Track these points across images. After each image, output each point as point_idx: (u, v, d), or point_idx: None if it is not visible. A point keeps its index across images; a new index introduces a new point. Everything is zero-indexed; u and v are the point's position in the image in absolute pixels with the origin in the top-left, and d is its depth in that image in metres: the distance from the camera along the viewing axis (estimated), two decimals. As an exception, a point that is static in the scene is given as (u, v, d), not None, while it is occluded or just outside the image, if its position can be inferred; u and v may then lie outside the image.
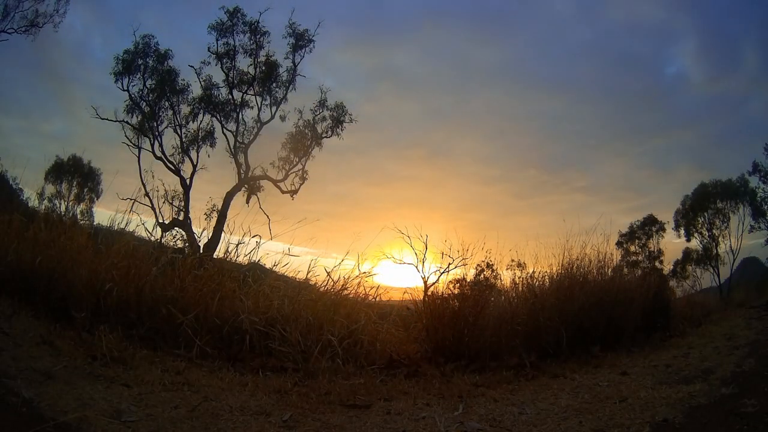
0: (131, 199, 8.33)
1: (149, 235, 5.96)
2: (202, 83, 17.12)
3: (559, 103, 36.83)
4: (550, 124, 36.22)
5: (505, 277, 6.62)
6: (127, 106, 16.78)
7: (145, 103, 16.93)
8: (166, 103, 17.09)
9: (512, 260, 6.64)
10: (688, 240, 22.57)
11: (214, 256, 5.93)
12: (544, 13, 36.06)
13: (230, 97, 17.18)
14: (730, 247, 21.28)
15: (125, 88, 16.66)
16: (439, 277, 6.15)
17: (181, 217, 16.34)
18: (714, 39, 38.32)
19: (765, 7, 35.15)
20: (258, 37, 17.08)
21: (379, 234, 6.10)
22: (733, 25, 38.00)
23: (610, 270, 6.23)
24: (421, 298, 5.76)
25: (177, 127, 17.21)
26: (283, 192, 17.64)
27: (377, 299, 5.55)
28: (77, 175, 22.13)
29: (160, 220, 15.77)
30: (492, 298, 5.88)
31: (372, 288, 5.50)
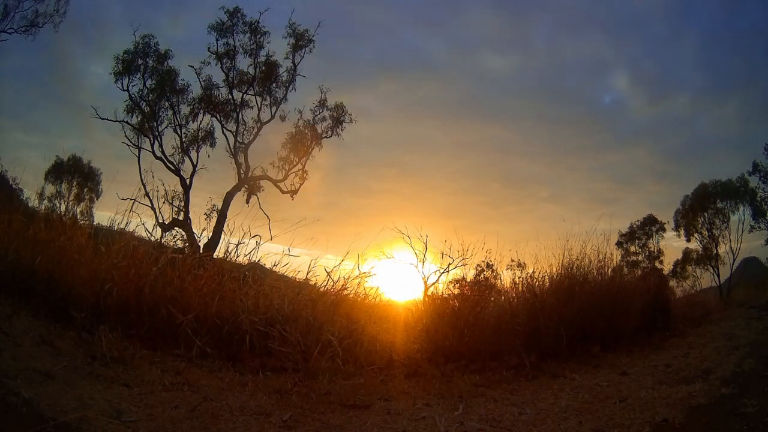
0: (131, 200, 8.30)
1: (149, 235, 5.96)
2: (202, 83, 17.11)
3: (508, 132, 42.87)
4: (503, 147, 41.46)
5: (505, 277, 6.62)
6: (127, 106, 16.76)
7: (145, 103, 16.92)
8: (166, 103, 17.08)
9: (512, 260, 6.65)
10: (688, 240, 22.58)
11: (214, 256, 5.93)
12: (477, 68, 42.31)
13: (230, 97, 17.17)
14: (730, 247, 21.28)
15: (125, 88, 16.66)
16: (439, 277, 6.15)
17: (181, 217, 16.32)
18: (647, 67, 42.78)
19: (699, 35, 39.94)
20: (258, 37, 17.07)
21: (378, 234, 6.11)
22: (667, 52, 42.47)
23: (610, 270, 6.23)
24: (421, 298, 5.76)
25: (177, 127, 17.19)
26: (283, 192, 17.63)
27: (377, 299, 5.55)
28: (77, 175, 22.12)
29: (160, 220, 15.75)
30: (492, 298, 5.88)
31: (372, 288, 5.50)
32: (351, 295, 5.28)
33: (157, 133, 17.01)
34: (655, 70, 42.06)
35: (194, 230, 15.01)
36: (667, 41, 42.05)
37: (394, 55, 43.08)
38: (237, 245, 5.52)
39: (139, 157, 16.89)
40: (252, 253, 5.65)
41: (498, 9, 43.49)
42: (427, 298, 5.76)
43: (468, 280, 6.35)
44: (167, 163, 17.00)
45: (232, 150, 17.09)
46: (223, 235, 8.02)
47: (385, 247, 6.09)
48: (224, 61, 16.97)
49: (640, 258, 21.92)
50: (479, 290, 5.77)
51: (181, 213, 16.52)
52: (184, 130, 17.29)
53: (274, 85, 17.30)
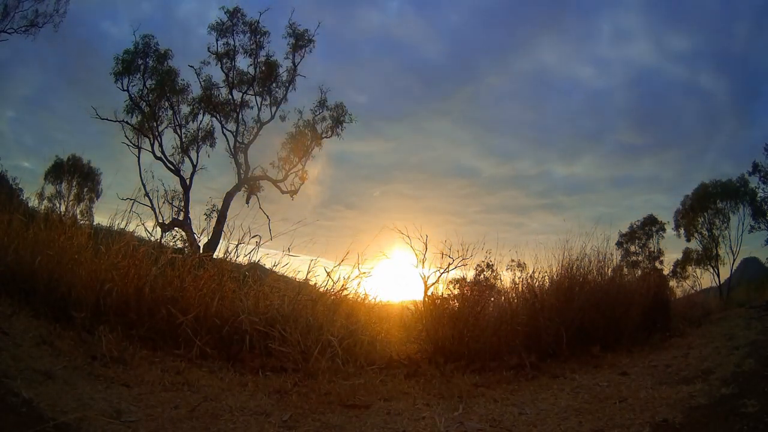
0: (131, 200, 8.32)
1: (149, 235, 5.95)
2: (202, 83, 17.14)
3: (401, 186, 43.93)
4: (404, 195, 44.31)
5: (505, 277, 6.63)
6: (127, 106, 16.79)
7: (145, 103, 16.94)
8: (166, 103, 17.12)
9: (512, 260, 6.66)
10: (688, 240, 22.61)
11: (214, 257, 5.92)
12: (352, 153, 44.67)
13: (230, 97, 17.21)
14: (730, 247, 21.31)
15: (125, 88, 16.68)
16: (439, 277, 6.16)
17: (181, 217, 16.36)
18: (488, 145, 48.11)
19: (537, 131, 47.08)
20: (258, 37, 17.12)
21: (377, 234, 6.10)
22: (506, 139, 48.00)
23: (610, 270, 6.22)
24: (421, 298, 5.76)
25: (177, 127, 17.25)
26: (282, 192, 17.67)
27: (377, 300, 5.55)
28: (77, 175, 22.14)
29: (160, 220, 15.77)
30: (492, 298, 5.88)
31: (372, 288, 5.49)
32: (351, 296, 5.28)
33: (157, 133, 17.06)
34: (492, 148, 48.29)
35: (194, 230, 15.05)
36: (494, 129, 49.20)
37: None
38: (237, 245, 5.51)
39: (139, 157, 16.95)
40: (252, 253, 5.65)
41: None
42: (426, 299, 5.76)
43: (468, 280, 6.36)
44: (167, 163, 17.05)
45: (232, 150, 17.14)
46: (222, 236, 8.02)
47: (385, 247, 6.09)
48: (224, 61, 17.01)
49: (640, 258, 21.96)
50: (479, 290, 5.77)
51: (181, 213, 16.56)
52: (184, 130, 17.36)
53: (274, 85, 17.34)
